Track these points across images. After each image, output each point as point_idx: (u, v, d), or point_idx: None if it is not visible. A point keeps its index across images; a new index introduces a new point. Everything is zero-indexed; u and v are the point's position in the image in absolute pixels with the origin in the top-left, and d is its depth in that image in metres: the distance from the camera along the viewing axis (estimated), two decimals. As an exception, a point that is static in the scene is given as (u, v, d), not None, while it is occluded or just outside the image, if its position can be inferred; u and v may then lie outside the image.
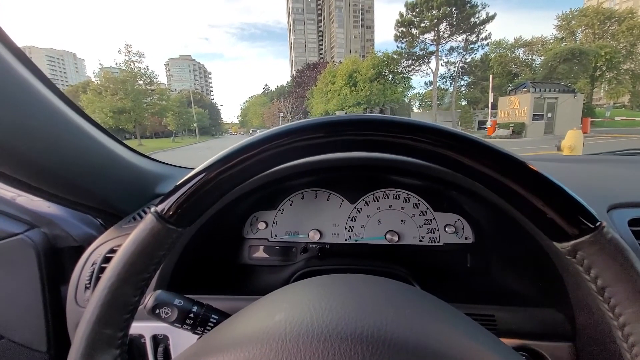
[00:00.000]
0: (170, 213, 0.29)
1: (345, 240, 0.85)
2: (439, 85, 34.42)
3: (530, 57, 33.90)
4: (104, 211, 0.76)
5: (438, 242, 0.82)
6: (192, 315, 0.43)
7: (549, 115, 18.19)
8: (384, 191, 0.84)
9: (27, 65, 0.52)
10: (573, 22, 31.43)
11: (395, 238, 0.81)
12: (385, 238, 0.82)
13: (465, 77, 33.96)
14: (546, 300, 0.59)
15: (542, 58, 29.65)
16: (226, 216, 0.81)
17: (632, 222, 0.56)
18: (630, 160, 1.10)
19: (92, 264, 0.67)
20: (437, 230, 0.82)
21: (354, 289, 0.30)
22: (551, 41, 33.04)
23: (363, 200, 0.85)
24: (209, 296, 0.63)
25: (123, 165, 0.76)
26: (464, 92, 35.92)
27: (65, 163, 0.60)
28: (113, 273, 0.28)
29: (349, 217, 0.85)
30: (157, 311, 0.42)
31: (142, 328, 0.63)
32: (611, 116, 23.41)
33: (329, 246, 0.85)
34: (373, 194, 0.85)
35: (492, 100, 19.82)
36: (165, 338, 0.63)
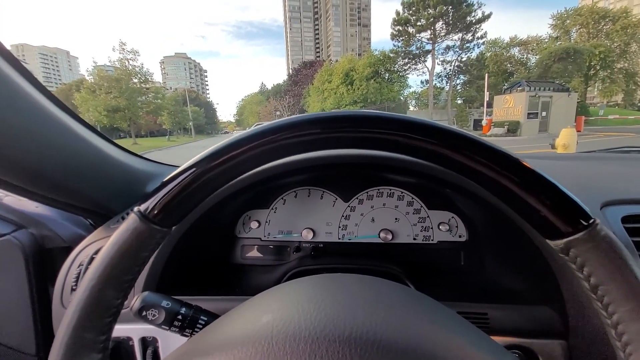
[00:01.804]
0: (155, 213, 0.28)
1: (339, 239, 0.84)
2: (435, 84, 34.65)
3: (525, 56, 34.13)
4: (93, 211, 0.74)
5: (432, 240, 0.81)
6: (180, 317, 0.42)
7: (544, 113, 18.35)
8: (378, 189, 0.84)
9: (12, 63, 0.50)
10: (568, 21, 31.70)
11: (389, 236, 0.81)
12: (379, 236, 0.82)
13: (461, 76, 34.15)
14: (539, 298, 0.59)
15: (537, 57, 29.90)
16: (218, 215, 0.80)
17: (625, 219, 0.56)
18: (623, 158, 1.10)
19: (79, 266, 0.66)
20: (431, 228, 0.81)
21: (344, 289, 0.29)
22: (546, 40, 33.33)
23: (357, 198, 0.84)
24: (200, 297, 0.62)
25: (112, 165, 0.74)
26: (459, 90, 36.07)
27: (53, 163, 0.58)
28: (94, 275, 0.27)
29: (343, 216, 0.84)
30: (144, 313, 0.41)
31: (130, 330, 0.62)
32: (604, 115, 23.67)
33: (322, 245, 0.84)
34: (367, 192, 0.84)
35: (487, 99, 19.90)
36: (154, 340, 0.62)
